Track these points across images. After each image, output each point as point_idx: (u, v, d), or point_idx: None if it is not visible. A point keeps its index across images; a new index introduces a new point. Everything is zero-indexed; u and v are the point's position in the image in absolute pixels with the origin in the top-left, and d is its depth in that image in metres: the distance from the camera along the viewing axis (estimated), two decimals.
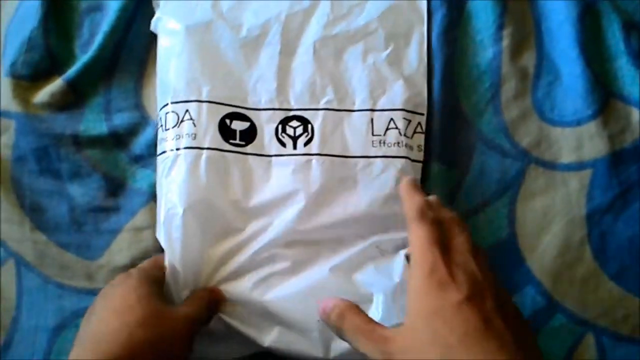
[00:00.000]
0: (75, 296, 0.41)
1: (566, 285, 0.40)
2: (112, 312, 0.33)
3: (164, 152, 0.39)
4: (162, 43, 0.42)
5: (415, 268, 0.30)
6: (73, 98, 0.43)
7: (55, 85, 0.43)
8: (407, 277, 0.37)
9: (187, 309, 0.35)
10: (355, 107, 0.40)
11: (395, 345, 0.28)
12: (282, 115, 0.40)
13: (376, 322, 0.31)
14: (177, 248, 0.37)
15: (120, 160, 0.43)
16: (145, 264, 0.38)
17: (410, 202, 0.33)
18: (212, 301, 0.37)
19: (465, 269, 0.29)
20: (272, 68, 0.41)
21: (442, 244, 0.30)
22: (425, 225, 0.31)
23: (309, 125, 0.39)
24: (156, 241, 0.41)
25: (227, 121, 0.39)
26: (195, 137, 0.38)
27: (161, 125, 0.40)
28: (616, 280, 0.39)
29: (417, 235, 0.31)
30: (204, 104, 0.39)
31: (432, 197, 0.34)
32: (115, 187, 0.42)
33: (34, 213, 0.42)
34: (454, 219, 0.32)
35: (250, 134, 0.40)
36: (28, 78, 0.44)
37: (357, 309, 0.32)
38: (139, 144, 0.43)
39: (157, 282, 0.36)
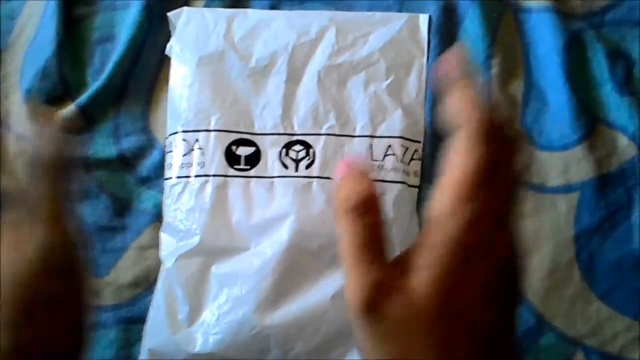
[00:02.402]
0: None
1: (556, 304, 0.40)
2: None
3: (170, 178, 0.41)
4: (175, 71, 0.44)
5: (447, 202, 0.22)
6: (84, 123, 0.45)
7: (68, 110, 0.45)
8: None
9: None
10: (356, 133, 0.41)
11: (390, 308, 0.21)
12: (286, 139, 0.42)
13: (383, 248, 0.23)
14: (179, 267, 0.38)
15: (127, 181, 0.45)
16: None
17: (472, 100, 0.23)
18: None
19: (486, 256, 0.22)
20: (278, 95, 0.43)
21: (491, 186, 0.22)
22: (488, 147, 0.22)
23: (311, 150, 0.41)
24: (159, 260, 0.42)
25: (233, 147, 0.42)
26: (203, 165, 0.41)
27: (170, 151, 0.42)
28: (605, 300, 0.40)
29: (473, 163, 0.22)
30: (212, 133, 0.41)
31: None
32: (121, 207, 0.44)
33: None
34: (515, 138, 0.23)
35: (254, 158, 0.42)
36: (43, 104, 0.46)
37: (376, 208, 0.23)
38: (145, 166, 0.45)
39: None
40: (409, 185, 0.41)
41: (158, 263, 0.42)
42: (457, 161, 0.22)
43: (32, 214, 0.26)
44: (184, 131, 0.42)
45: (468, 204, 0.22)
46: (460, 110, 0.23)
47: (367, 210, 0.23)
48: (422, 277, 0.22)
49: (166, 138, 0.43)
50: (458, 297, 0.21)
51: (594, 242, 0.41)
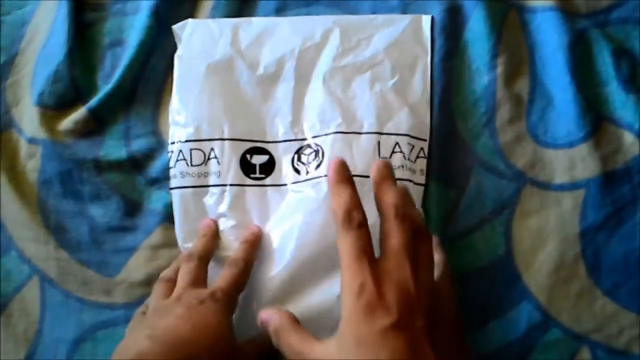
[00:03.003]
0: (95, 310, 0.44)
1: (561, 300, 0.41)
2: (191, 326, 0.33)
3: (187, 186, 0.42)
4: (182, 79, 0.45)
5: (344, 287, 0.28)
6: (95, 126, 0.46)
7: (79, 113, 0.46)
8: None
9: (253, 349, 0.36)
10: (364, 130, 0.42)
11: None
12: (297, 145, 0.42)
13: (309, 339, 0.30)
14: None
15: (138, 182, 0.46)
16: (226, 285, 0.36)
17: (336, 200, 0.30)
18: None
19: (397, 281, 0.28)
20: (287, 102, 0.43)
21: (371, 252, 0.29)
22: (351, 232, 0.29)
23: (320, 151, 0.42)
24: (170, 259, 0.43)
25: (248, 156, 0.42)
26: (219, 175, 0.42)
27: (181, 159, 0.43)
28: (610, 296, 0.41)
29: (345, 246, 0.29)
30: (226, 142, 0.42)
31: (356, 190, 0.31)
32: (132, 208, 0.45)
33: (58, 233, 0.45)
34: (392, 207, 0.30)
35: (269, 167, 0.42)
36: (54, 107, 0.47)
37: (291, 324, 0.31)
38: (155, 168, 0.45)
39: (233, 310, 0.37)
40: (415, 183, 0.41)
41: (169, 262, 0.43)
42: (339, 250, 0.29)
43: None
44: (196, 140, 0.42)
45: (354, 282, 0.28)
46: (334, 207, 0.30)
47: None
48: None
49: (170, 144, 0.44)
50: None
51: (600, 239, 0.41)
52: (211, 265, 0.40)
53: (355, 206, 0.30)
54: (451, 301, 0.34)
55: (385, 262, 0.29)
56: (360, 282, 0.28)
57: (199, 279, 0.37)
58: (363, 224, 0.30)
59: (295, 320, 0.32)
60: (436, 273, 0.33)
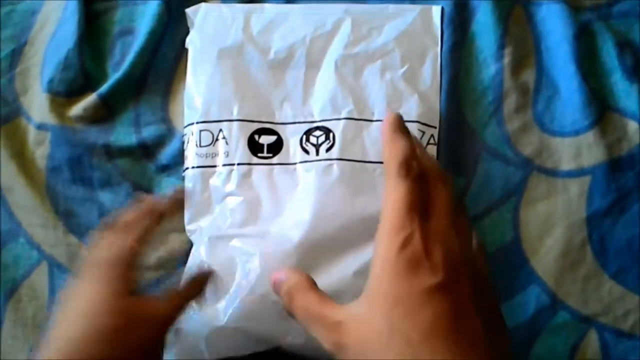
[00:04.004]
0: None
1: (569, 284, 0.42)
2: (80, 316, 0.30)
3: (194, 167, 0.43)
4: (194, 63, 0.45)
5: (384, 237, 0.26)
6: (105, 112, 0.47)
7: (89, 100, 0.46)
8: None
9: (166, 307, 0.33)
10: (374, 118, 0.42)
11: (348, 337, 0.25)
12: (306, 126, 0.43)
13: (330, 301, 0.27)
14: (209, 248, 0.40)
15: (148, 169, 0.46)
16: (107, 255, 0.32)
17: (394, 148, 0.28)
18: (191, 296, 0.36)
19: (444, 242, 0.25)
20: (297, 87, 0.44)
21: (422, 207, 0.26)
22: (407, 182, 0.27)
23: (331, 134, 0.42)
24: (181, 243, 0.44)
25: (256, 136, 0.43)
26: (228, 154, 0.42)
27: (190, 141, 0.43)
28: (616, 279, 0.41)
29: (396, 195, 0.26)
30: (235, 123, 0.43)
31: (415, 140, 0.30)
32: (142, 194, 0.45)
33: (67, 218, 0.45)
34: (437, 170, 0.28)
35: (276, 146, 0.43)
36: (64, 94, 0.47)
37: (308, 285, 0.28)
38: (165, 155, 0.46)
39: (128, 271, 0.33)
40: None
41: (180, 246, 0.43)
42: (385, 201, 0.27)
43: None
44: (205, 121, 0.43)
45: (398, 234, 0.25)
46: (385, 155, 0.29)
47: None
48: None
49: (185, 127, 0.44)
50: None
51: (606, 224, 0.42)
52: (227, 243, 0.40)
53: (413, 156, 0.28)
54: (487, 275, 0.32)
55: (433, 222, 0.26)
56: (406, 236, 0.25)
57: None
58: (419, 178, 0.27)
59: (313, 282, 0.29)
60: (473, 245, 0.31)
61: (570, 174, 0.43)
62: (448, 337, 0.23)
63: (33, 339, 0.43)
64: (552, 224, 0.42)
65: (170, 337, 0.39)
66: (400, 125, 0.30)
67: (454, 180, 0.43)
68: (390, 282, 0.24)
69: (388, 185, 0.27)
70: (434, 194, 0.27)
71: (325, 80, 0.44)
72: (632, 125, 0.43)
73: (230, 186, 0.42)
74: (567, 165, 0.43)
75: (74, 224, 0.45)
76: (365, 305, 0.25)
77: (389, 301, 0.24)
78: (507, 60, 0.45)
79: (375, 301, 0.25)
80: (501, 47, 0.45)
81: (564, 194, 0.43)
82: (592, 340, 0.41)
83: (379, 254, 0.25)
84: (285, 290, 0.29)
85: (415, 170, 0.27)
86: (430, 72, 0.44)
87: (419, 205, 0.26)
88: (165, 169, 0.46)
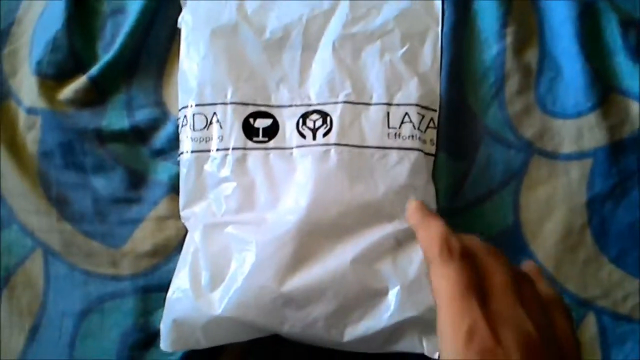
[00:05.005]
0: (100, 282, 0.43)
1: (568, 268, 0.41)
2: None
3: (188, 151, 0.41)
4: (187, 43, 0.44)
5: (447, 333, 0.23)
6: (96, 95, 0.45)
7: (79, 83, 0.45)
8: (423, 272, 0.37)
9: None
10: (373, 101, 0.42)
11: None
12: (303, 110, 0.42)
13: None
14: (203, 236, 0.40)
15: (142, 154, 0.45)
16: None
17: (428, 230, 0.26)
18: None
19: (513, 320, 0.23)
20: (294, 68, 0.43)
21: (478, 288, 0.23)
22: (454, 263, 0.24)
23: (328, 118, 0.41)
24: (178, 230, 0.43)
25: (251, 120, 0.42)
26: (222, 139, 0.41)
27: (185, 125, 0.42)
28: (616, 263, 0.41)
29: (446, 280, 0.24)
30: (229, 106, 0.41)
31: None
32: (137, 179, 0.45)
33: (60, 204, 0.44)
34: (483, 246, 0.25)
35: (272, 130, 0.42)
36: (53, 77, 0.46)
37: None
38: (159, 139, 0.45)
39: None
40: (425, 153, 0.41)
41: (177, 233, 0.43)
42: (436, 291, 0.24)
43: None
44: (199, 104, 0.42)
45: (461, 326, 0.23)
46: (423, 244, 0.26)
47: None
48: None
49: (179, 111, 0.43)
50: None
51: (606, 208, 0.42)
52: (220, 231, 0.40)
53: (451, 234, 0.25)
54: (575, 346, 0.25)
55: (494, 302, 0.23)
56: (470, 325, 0.22)
57: None
58: (466, 255, 0.25)
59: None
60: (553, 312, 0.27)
61: (571, 157, 0.43)
62: None
63: (29, 327, 0.43)
64: (552, 208, 0.42)
65: (164, 326, 0.39)
66: (425, 209, 0.28)
67: (455, 164, 0.43)
68: None
69: (434, 274, 0.25)
70: (488, 273, 0.24)
71: (323, 61, 0.43)
72: (634, 107, 0.43)
73: (225, 171, 0.41)
74: (568, 148, 0.43)
75: (67, 211, 0.44)
76: None
77: None
78: (509, 40, 0.44)
79: None
80: (504, 26, 0.44)
81: (564, 178, 0.42)
82: (590, 323, 0.41)
83: (446, 348, 0.23)
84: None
85: (458, 248, 0.25)
86: (430, 52, 0.43)
87: (475, 287, 0.24)
88: (160, 153, 0.45)
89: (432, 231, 0.26)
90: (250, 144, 0.41)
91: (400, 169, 0.40)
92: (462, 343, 0.22)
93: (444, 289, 0.24)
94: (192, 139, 0.42)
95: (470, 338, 0.22)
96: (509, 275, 0.24)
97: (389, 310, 0.37)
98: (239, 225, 0.40)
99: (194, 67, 0.43)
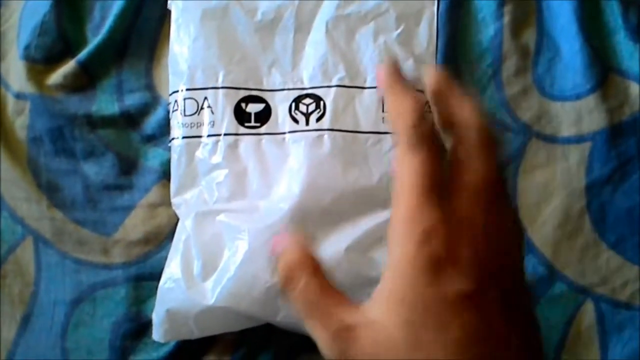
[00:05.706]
0: (92, 270, 0.42)
1: (566, 254, 0.41)
2: None
3: (178, 137, 0.41)
4: (177, 26, 0.43)
5: (399, 227, 0.20)
6: (86, 80, 0.45)
7: (69, 67, 0.44)
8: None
9: None
10: (367, 85, 0.41)
11: (356, 347, 0.20)
12: (295, 94, 0.41)
13: (338, 295, 0.22)
14: (195, 224, 0.39)
15: (133, 139, 0.44)
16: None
17: (399, 103, 0.22)
18: None
19: (474, 237, 0.20)
20: (286, 51, 0.42)
21: (444, 186, 0.20)
22: (423, 152, 0.21)
23: (321, 102, 0.40)
24: (170, 217, 0.42)
25: (243, 105, 0.41)
26: (213, 124, 0.40)
27: (175, 110, 0.41)
28: (615, 249, 0.41)
29: (405, 172, 0.21)
30: (220, 90, 0.41)
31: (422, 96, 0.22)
32: (128, 165, 0.44)
33: (51, 191, 0.44)
34: (473, 129, 0.22)
35: (264, 115, 0.41)
36: (41, 61, 0.45)
37: (312, 266, 0.22)
38: (150, 124, 0.44)
39: None
40: None
41: (169, 220, 0.42)
42: (397, 178, 0.21)
43: None
44: (190, 89, 0.41)
45: (415, 227, 0.20)
46: (392, 118, 0.22)
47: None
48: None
49: (170, 95, 0.42)
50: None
51: (605, 193, 0.41)
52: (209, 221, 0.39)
53: (422, 117, 0.21)
54: (524, 279, 0.23)
55: (461, 205, 0.21)
56: (426, 228, 0.20)
57: None
58: (434, 144, 0.21)
59: (318, 263, 0.23)
60: None
61: (570, 141, 0.42)
62: (477, 351, 0.19)
63: (20, 316, 0.42)
64: (550, 192, 0.41)
65: (157, 317, 0.38)
66: (398, 75, 0.24)
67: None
68: (408, 285, 0.20)
69: (399, 160, 0.21)
70: (465, 164, 0.21)
71: (316, 44, 0.42)
72: (634, 88, 0.42)
73: (217, 158, 0.40)
74: (567, 131, 0.42)
75: (58, 198, 0.43)
76: (379, 310, 0.20)
77: (408, 306, 0.20)
78: (507, 19, 0.43)
79: (392, 307, 0.20)
80: (501, 4, 0.43)
81: (563, 161, 0.42)
82: (588, 311, 0.40)
83: (394, 249, 0.20)
84: (284, 265, 0.23)
85: (427, 135, 0.21)
86: (426, 33, 0.42)
87: (438, 183, 0.20)
88: (152, 138, 0.44)
89: (404, 105, 0.22)
90: (242, 129, 0.40)
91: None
92: (414, 244, 0.20)
93: (407, 180, 0.21)
94: (183, 125, 0.41)
95: (422, 243, 0.20)
96: (489, 176, 0.21)
97: None
98: (231, 213, 0.39)
99: (184, 50, 0.42)
